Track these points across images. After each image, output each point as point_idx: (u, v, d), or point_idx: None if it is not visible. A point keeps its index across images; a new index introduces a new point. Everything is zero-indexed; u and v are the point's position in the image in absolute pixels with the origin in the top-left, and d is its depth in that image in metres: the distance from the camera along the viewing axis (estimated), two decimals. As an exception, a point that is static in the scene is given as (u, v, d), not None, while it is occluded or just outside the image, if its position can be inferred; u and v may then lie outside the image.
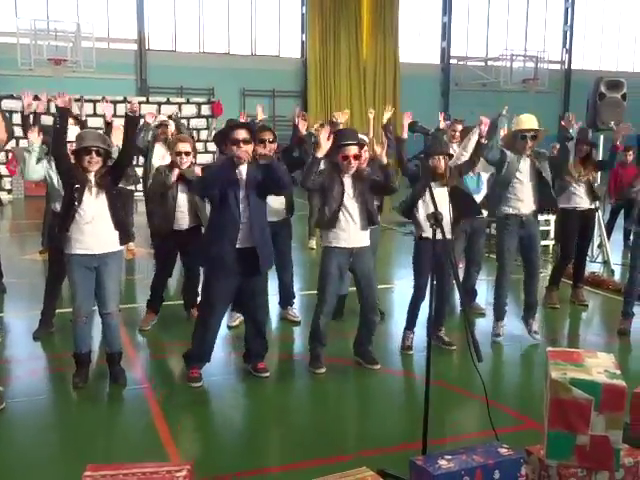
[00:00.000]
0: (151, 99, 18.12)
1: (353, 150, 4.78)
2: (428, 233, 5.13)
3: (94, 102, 16.84)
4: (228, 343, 5.60)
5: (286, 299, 6.33)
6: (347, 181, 4.87)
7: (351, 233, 4.86)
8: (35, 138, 5.05)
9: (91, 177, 4.46)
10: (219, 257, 4.53)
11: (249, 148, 4.51)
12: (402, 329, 5.48)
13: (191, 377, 4.72)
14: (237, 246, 4.50)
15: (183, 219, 5.73)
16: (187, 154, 5.65)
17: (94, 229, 4.47)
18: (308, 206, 9.50)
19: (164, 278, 6.09)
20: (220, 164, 4.70)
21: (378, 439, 3.95)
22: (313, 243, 9.61)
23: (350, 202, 4.84)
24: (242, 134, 4.48)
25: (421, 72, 24.15)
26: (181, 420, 4.28)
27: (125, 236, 4.70)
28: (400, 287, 7.29)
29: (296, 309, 6.38)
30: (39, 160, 5.17)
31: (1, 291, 7.06)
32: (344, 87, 23.21)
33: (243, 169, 4.54)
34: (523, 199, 5.55)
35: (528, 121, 5.53)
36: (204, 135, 17.38)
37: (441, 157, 5.13)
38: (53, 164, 5.21)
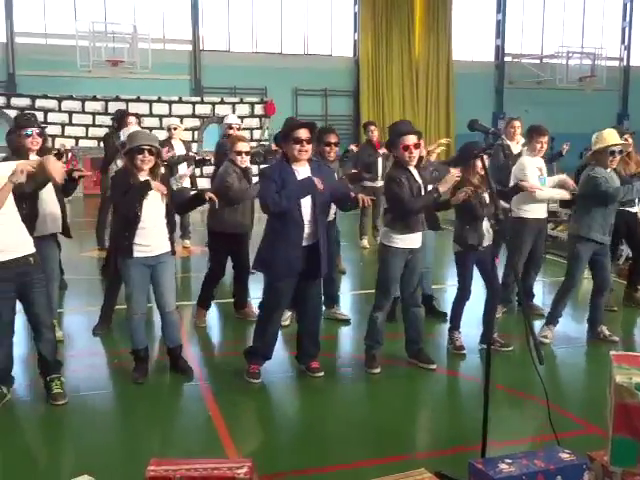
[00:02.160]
0: (205, 99, 18.38)
1: (412, 139, 4.70)
2: (473, 240, 5.14)
3: (150, 102, 17.21)
4: (282, 342, 5.63)
5: (330, 298, 6.32)
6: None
7: (415, 234, 4.84)
8: None
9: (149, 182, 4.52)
10: (282, 258, 4.55)
11: (310, 148, 4.54)
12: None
13: (250, 373, 4.76)
14: (303, 244, 4.52)
15: (244, 222, 5.90)
16: (247, 154, 5.79)
17: (153, 233, 4.57)
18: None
19: (217, 278, 6.16)
20: (278, 169, 4.63)
21: (435, 441, 3.92)
22: (365, 242, 9.58)
23: None
24: (304, 133, 4.50)
25: (475, 70, 23.87)
26: (238, 417, 4.32)
27: (173, 247, 4.77)
28: (454, 288, 7.21)
29: (342, 308, 6.36)
30: None
31: (62, 287, 7.25)
32: (396, 86, 23.10)
33: (302, 170, 4.55)
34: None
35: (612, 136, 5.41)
36: (257, 134, 17.57)
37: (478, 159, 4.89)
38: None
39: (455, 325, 5.41)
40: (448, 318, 5.54)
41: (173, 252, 4.76)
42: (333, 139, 5.94)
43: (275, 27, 22.34)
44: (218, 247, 6.04)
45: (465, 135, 3.88)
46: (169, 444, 3.96)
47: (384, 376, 4.90)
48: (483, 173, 4.89)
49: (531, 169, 5.90)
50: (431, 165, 5.94)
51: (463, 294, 5.36)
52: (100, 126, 16.25)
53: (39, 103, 16.49)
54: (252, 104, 18.23)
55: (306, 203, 4.49)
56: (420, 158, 5.11)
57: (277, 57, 22.08)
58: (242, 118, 17.44)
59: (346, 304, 6.64)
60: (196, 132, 17.08)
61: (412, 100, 23.34)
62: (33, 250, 4.27)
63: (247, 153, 5.80)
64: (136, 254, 4.56)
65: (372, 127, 9.55)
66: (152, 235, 4.56)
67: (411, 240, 4.83)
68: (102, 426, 4.20)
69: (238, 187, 5.66)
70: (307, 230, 4.52)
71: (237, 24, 22.01)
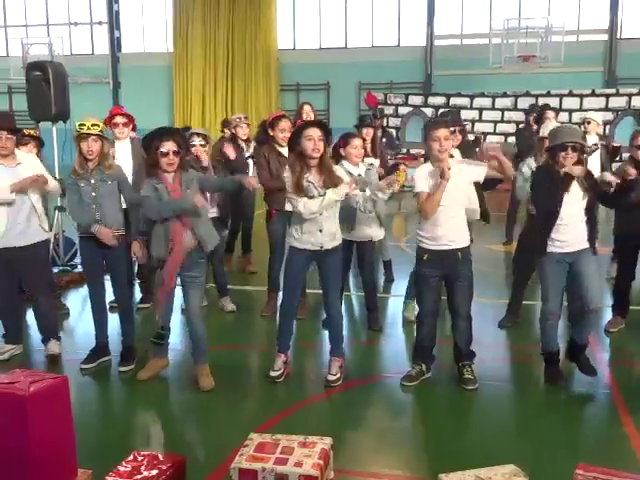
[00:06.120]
0: (621, 91, 17.27)
1: None
2: None
3: (560, 96, 16.80)
4: None
5: None
6: None
7: None
8: None
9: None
10: None
11: None
12: None
13: None
14: None
15: None
16: None
17: (571, 228, 4.48)
18: None
19: (628, 279, 5.80)
20: None
21: None
22: None
23: None
24: None
25: None
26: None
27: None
28: None
29: None
30: None
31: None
32: None
33: None
34: None
35: None
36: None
37: None
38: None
39: None
40: None
41: (593, 251, 4.65)
42: None
43: None
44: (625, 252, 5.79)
45: None
46: (575, 449, 3.80)
47: None
48: None
49: None
50: None
51: None
52: (508, 122, 16.47)
53: (453, 101, 17.39)
54: (677, 94, 16.51)
55: None
56: None
57: None
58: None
59: None
60: (607, 126, 16.14)
61: None
62: (465, 245, 4.57)
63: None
64: (551, 249, 4.52)
65: None
66: (569, 231, 4.49)
67: None
68: (512, 418, 4.29)
69: None
70: None
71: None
